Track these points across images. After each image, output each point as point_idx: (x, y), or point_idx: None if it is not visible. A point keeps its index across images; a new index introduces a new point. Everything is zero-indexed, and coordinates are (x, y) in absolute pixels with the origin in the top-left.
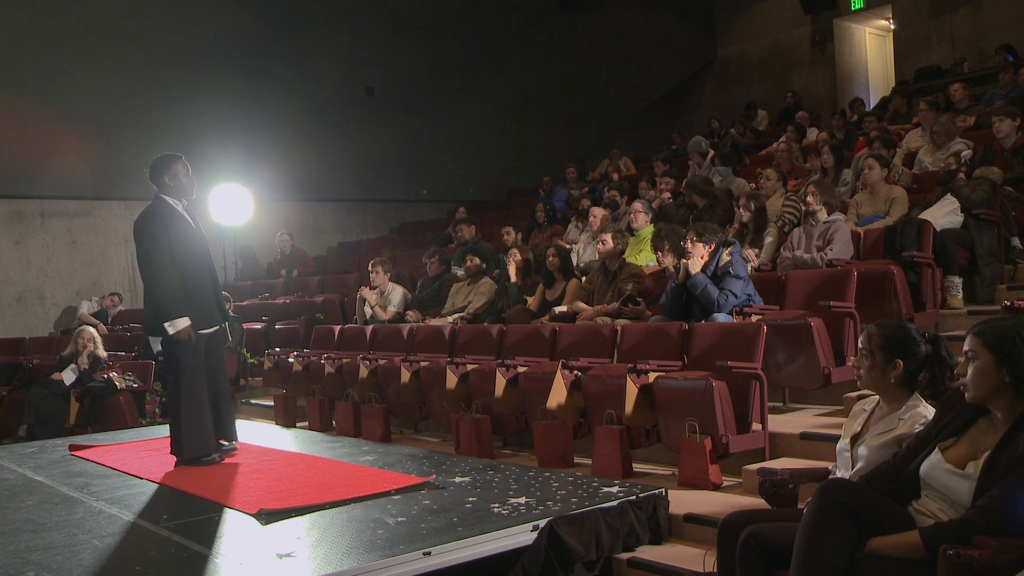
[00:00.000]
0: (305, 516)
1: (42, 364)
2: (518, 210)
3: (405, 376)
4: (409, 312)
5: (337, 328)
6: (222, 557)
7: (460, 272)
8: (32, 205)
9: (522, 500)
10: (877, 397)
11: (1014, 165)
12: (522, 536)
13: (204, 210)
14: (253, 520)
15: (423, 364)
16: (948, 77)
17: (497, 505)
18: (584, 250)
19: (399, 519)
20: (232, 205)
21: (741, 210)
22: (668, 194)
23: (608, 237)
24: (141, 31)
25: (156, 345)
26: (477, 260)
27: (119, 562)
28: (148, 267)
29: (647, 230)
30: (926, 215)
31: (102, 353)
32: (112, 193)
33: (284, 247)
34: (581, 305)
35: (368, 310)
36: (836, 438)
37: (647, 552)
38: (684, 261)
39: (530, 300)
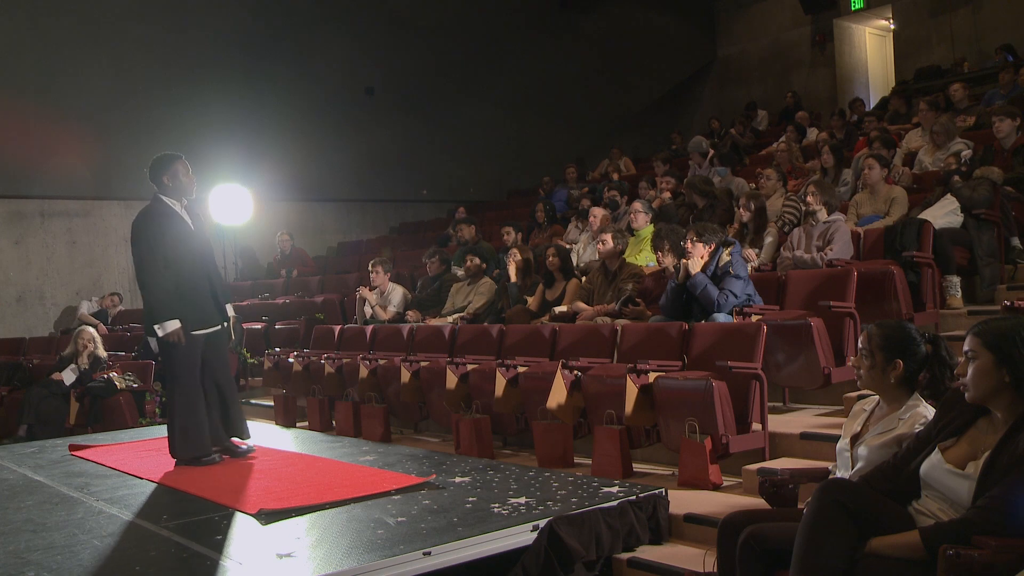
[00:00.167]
0: (305, 516)
1: (42, 364)
2: (518, 210)
3: (405, 376)
4: (409, 312)
5: (337, 328)
6: (222, 557)
7: (460, 272)
8: (32, 205)
9: (522, 500)
10: (877, 397)
11: (1014, 165)
12: (522, 536)
13: (204, 210)
14: (253, 520)
15: (423, 364)
16: (948, 77)
17: (497, 505)
18: (584, 250)
19: (399, 519)
20: (232, 205)
21: (741, 210)
22: (668, 194)
23: (608, 237)
24: (141, 31)
25: (154, 345)
26: (477, 260)
27: (119, 562)
28: (142, 269)
29: (647, 230)
30: (926, 215)
31: (102, 353)
32: (112, 193)
33: (284, 247)
34: (581, 305)
35: (368, 310)
36: (836, 438)
37: (647, 552)
38: (684, 261)
39: (530, 300)
